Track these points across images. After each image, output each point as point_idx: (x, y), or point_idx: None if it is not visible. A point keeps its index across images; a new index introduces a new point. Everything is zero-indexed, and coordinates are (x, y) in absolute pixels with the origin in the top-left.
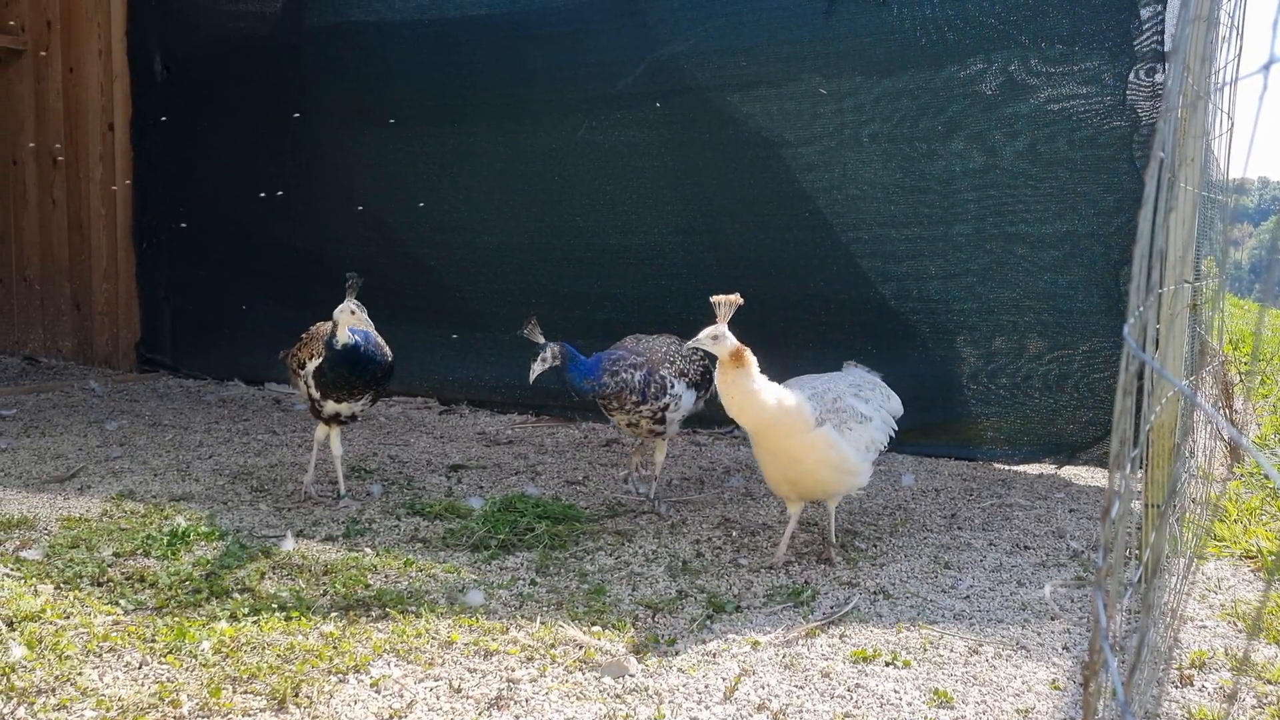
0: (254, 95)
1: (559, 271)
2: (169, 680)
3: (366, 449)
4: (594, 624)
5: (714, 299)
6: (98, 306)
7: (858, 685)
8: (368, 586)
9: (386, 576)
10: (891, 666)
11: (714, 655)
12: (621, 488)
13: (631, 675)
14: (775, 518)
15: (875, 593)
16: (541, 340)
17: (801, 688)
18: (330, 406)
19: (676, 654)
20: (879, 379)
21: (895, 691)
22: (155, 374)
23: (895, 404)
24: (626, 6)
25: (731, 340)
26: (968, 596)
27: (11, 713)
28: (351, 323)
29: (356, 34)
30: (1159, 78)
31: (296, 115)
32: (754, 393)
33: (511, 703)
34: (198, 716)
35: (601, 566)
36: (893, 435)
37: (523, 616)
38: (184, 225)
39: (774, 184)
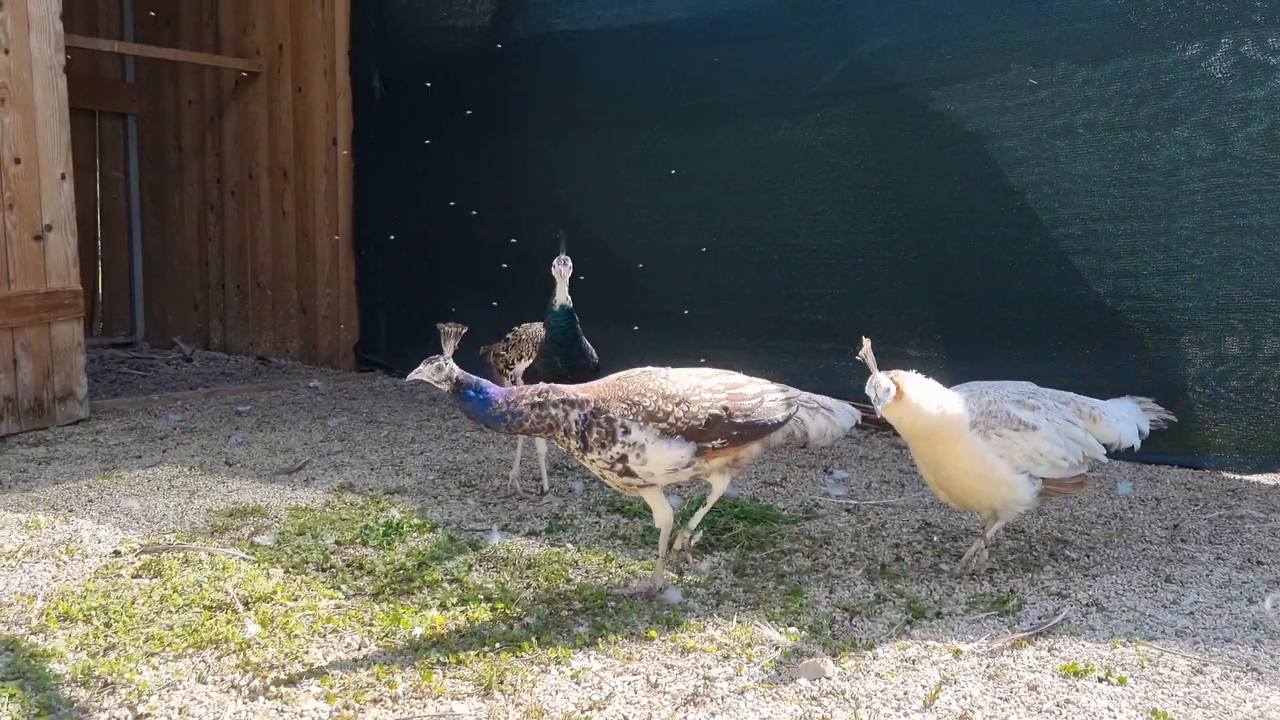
0: (462, 106)
1: (755, 273)
2: (385, 662)
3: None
4: (790, 625)
5: (863, 354)
6: (321, 310)
7: (1067, 701)
8: (569, 581)
9: (587, 572)
10: (1105, 683)
11: (913, 662)
12: (819, 490)
13: (828, 678)
14: (979, 522)
15: (1087, 605)
16: (449, 353)
17: (1006, 700)
18: None
19: (875, 658)
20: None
21: (1109, 710)
22: (372, 373)
23: (1112, 428)
24: (826, 4)
25: (891, 389)
26: (1191, 613)
27: (247, 684)
28: (566, 275)
29: (560, 43)
30: None
31: (496, 122)
32: (918, 410)
33: (708, 700)
34: (410, 697)
35: (799, 568)
36: (1101, 460)
37: (719, 615)
38: (398, 233)
39: (979, 179)
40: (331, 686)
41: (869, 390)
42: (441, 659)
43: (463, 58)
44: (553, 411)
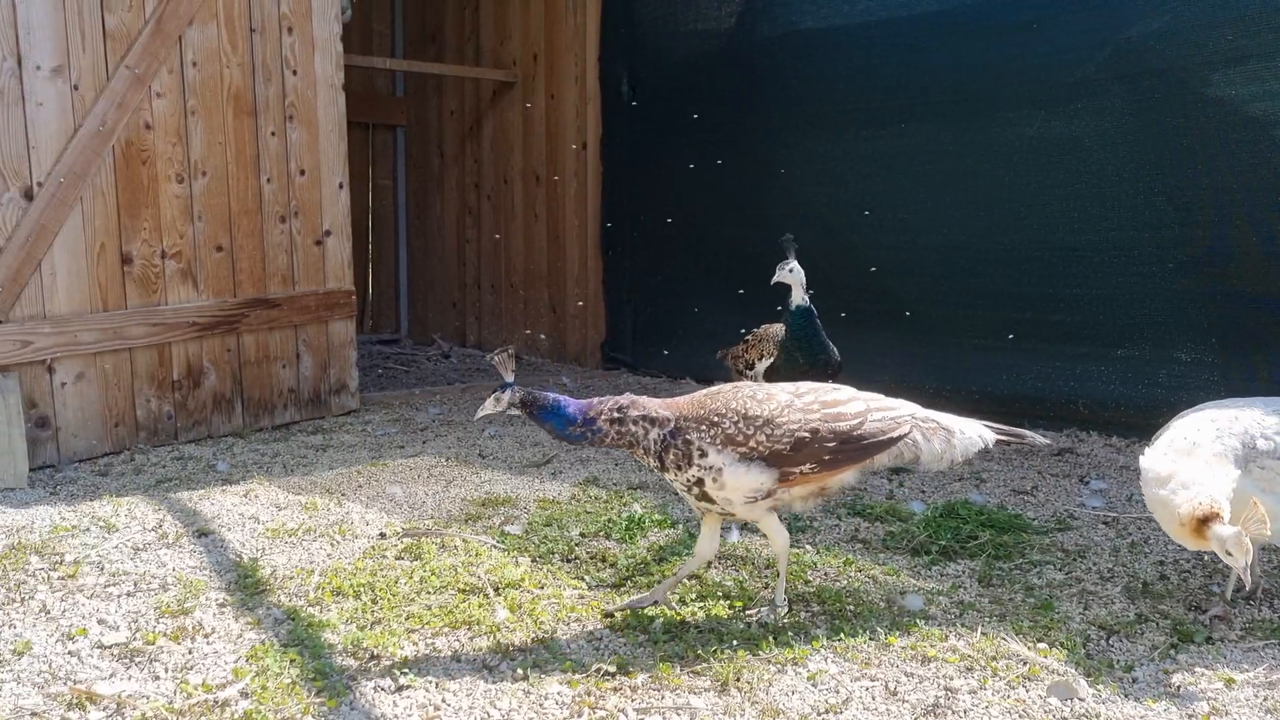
0: (709, 108)
1: (1006, 272)
2: (625, 653)
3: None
4: (1039, 640)
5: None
6: (570, 309)
7: None
8: (807, 582)
9: (825, 574)
10: None
11: (1177, 688)
12: (1074, 500)
13: (1081, 699)
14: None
15: None
16: (509, 378)
17: None
18: None
19: (1133, 681)
20: None
21: None
22: (617, 371)
23: None
24: None
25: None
26: None
27: (497, 665)
28: (800, 280)
29: (806, 42)
30: None
31: (741, 123)
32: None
33: (949, 712)
34: (649, 688)
35: (1050, 581)
36: None
37: (963, 625)
38: (644, 234)
39: (1264, 169)
40: (574, 673)
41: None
42: (679, 653)
43: (708, 60)
44: (632, 428)
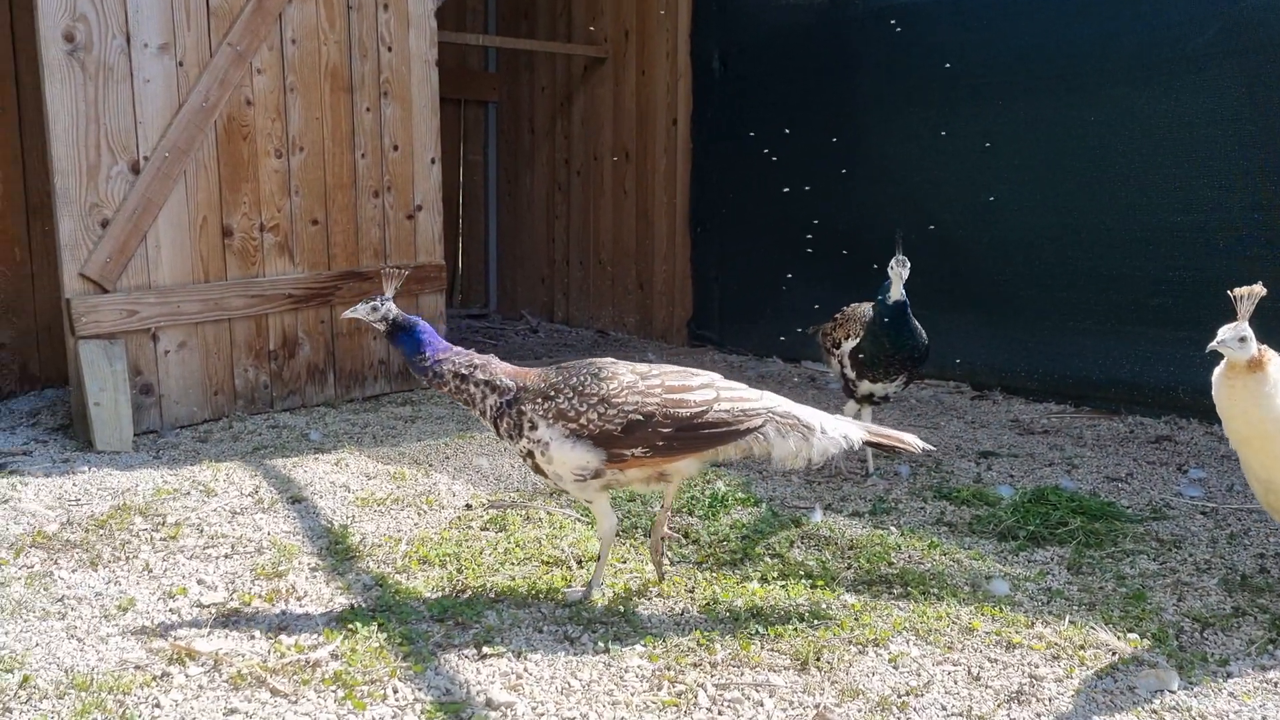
0: (801, 84)
1: (1103, 253)
2: (705, 629)
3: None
4: (1130, 630)
5: (1234, 292)
6: (657, 286)
7: None
8: (890, 564)
9: (909, 556)
10: None
11: (1275, 684)
12: (1171, 489)
13: (1172, 692)
14: None
15: None
16: (389, 293)
17: None
18: (865, 386)
19: (1228, 676)
20: None
21: None
22: (703, 348)
23: None
24: None
25: (1254, 345)
26: None
27: (578, 637)
28: (904, 275)
29: (901, 15)
30: None
31: (832, 99)
32: (1262, 401)
33: (1033, 699)
34: (729, 664)
35: (1142, 571)
36: None
37: (1050, 613)
38: (732, 210)
39: None
40: (653, 646)
41: (1223, 334)
42: (760, 630)
43: (800, 35)
44: (471, 389)
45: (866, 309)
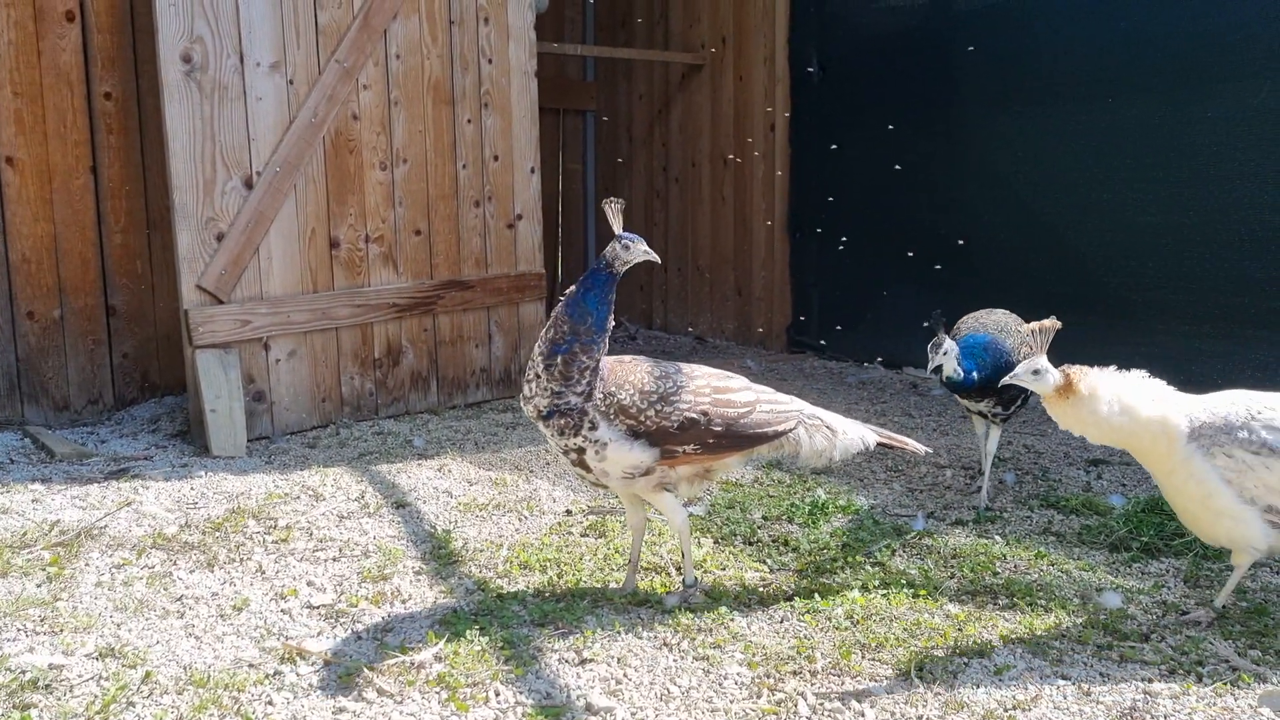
0: (900, 86)
1: (1223, 254)
2: (805, 637)
3: (1003, 437)
4: (1251, 646)
5: (1028, 327)
6: (755, 292)
7: None
8: (995, 574)
9: (1015, 566)
10: None
11: None
12: None
13: None
14: None
15: None
16: (618, 228)
17: None
18: (969, 404)
19: None
20: None
21: None
22: (803, 355)
23: None
24: None
25: (1053, 376)
26: None
27: (678, 643)
28: (955, 356)
29: (1004, 13)
30: None
31: (935, 101)
32: (1089, 418)
33: (1147, 716)
34: (829, 673)
35: (1265, 585)
36: None
37: (1165, 627)
38: (832, 216)
39: None
40: (753, 655)
41: (1019, 369)
42: (860, 639)
43: (900, 36)
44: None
45: (1000, 318)
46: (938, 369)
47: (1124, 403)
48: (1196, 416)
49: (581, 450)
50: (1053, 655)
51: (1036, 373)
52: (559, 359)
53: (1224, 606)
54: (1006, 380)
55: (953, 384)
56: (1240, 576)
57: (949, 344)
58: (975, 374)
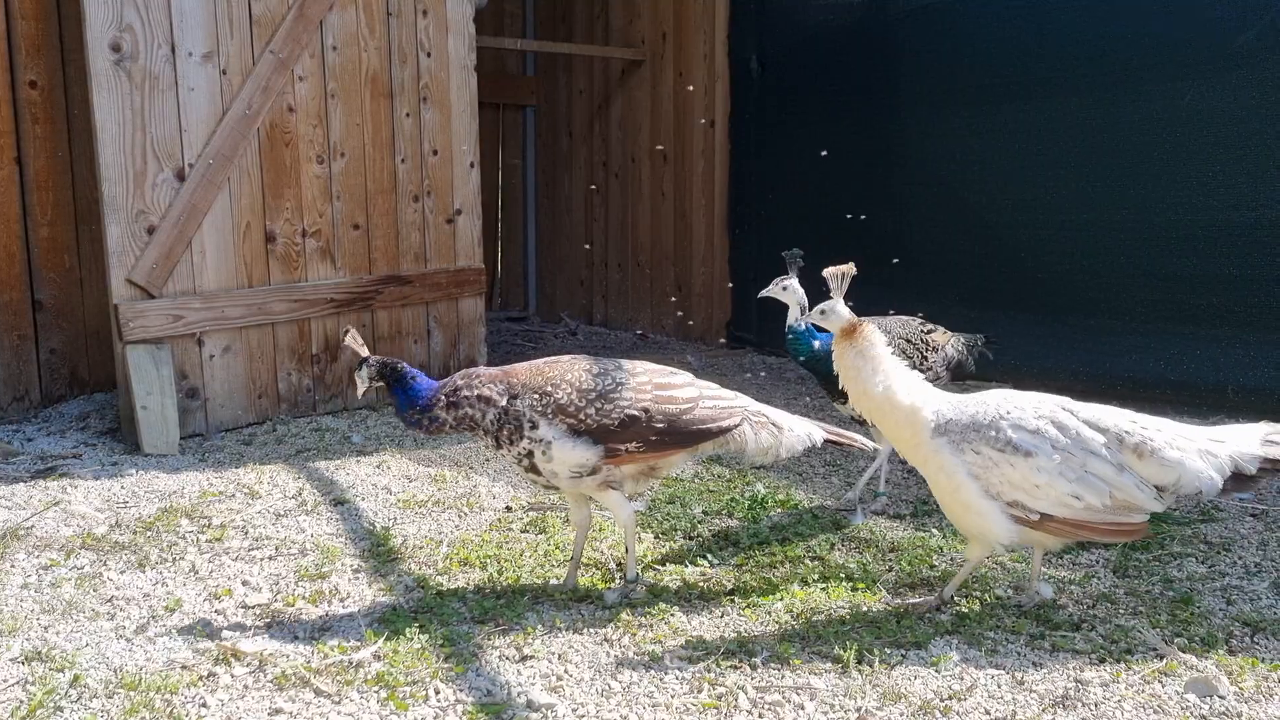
0: (839, 84)
1: (1152, 251)
2: (746, 631)
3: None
4: (1178, 635)
5: (826, 271)
6: (695, 288)
7: None
8: (932, 567)
9: (951, 559)
10: None
11: None
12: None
13: (1221, 697)
14: None
15: None
16: (364, 354)
17: None
18: (840, 407)
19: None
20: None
21: None
22: (742, 350)
23: (1170, 469)
24: None
25: (843, 313)
26: None
27: (618, 639)
28: (798, 299)
29: (940, 14)
30: None
31: (873, 99)
32: (858, 373)
33: (1079, 704)
34: (769, 667)
35: (1190, 574)
36: (1152, 508)
37: (1095, 616)
38: (771, 213)
39: None
40: (695, 649)
41: (816, 310)
42: (800, 633)
43: (839, 35)
44: (469, 410)
45: (895, 323)
46: (778, 304)
47: (888, 382)
48: (944, 413)
49: (530, 454)
50: (987, 646)
51: (824, 312)
52: (445, 420)
53: (951, 597)
54: (805, 319)
55: (794, 344)
56: (972, 569)
57: (794, 285)
58: (816, 341)
